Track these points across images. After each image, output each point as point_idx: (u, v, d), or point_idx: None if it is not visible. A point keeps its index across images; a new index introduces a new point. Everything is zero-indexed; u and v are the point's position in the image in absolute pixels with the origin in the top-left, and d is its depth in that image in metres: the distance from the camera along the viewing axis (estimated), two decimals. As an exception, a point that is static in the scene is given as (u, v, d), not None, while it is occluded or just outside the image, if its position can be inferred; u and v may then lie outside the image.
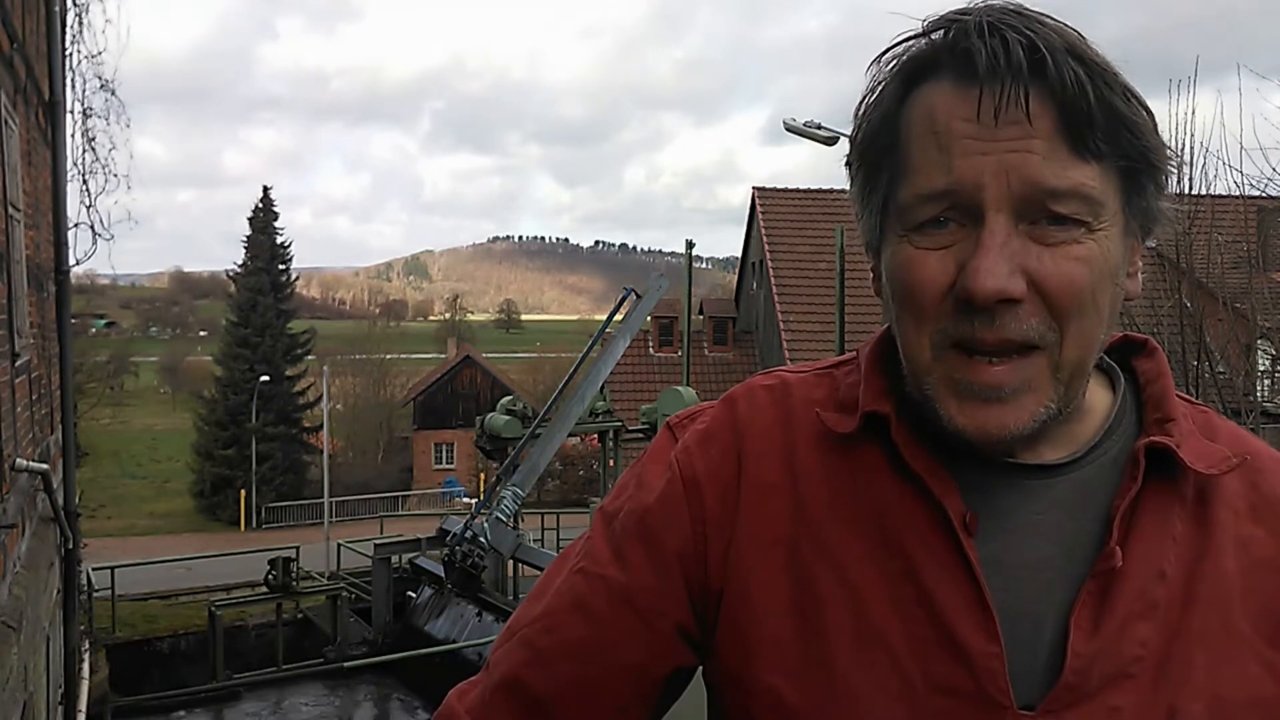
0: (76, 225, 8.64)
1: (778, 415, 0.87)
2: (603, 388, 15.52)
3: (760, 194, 26.63)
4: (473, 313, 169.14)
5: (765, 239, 25.18)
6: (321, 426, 29.17)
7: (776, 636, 0.80)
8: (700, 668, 0.88)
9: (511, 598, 13.80)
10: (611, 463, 16.19)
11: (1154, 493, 0.78)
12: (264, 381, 35.02)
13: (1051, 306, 0.73)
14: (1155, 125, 0.75)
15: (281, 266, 39.17)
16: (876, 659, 0.77)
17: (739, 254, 30.21)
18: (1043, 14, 0.74)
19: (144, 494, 40.10)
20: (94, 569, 13.54)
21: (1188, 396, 0.87)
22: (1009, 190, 0.72)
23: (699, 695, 0.90)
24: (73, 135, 9.02)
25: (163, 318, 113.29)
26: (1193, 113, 7.30)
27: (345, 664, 12.82)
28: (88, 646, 10.80)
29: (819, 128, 12.52)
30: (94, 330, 61.01)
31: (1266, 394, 8.37)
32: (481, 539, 12.84)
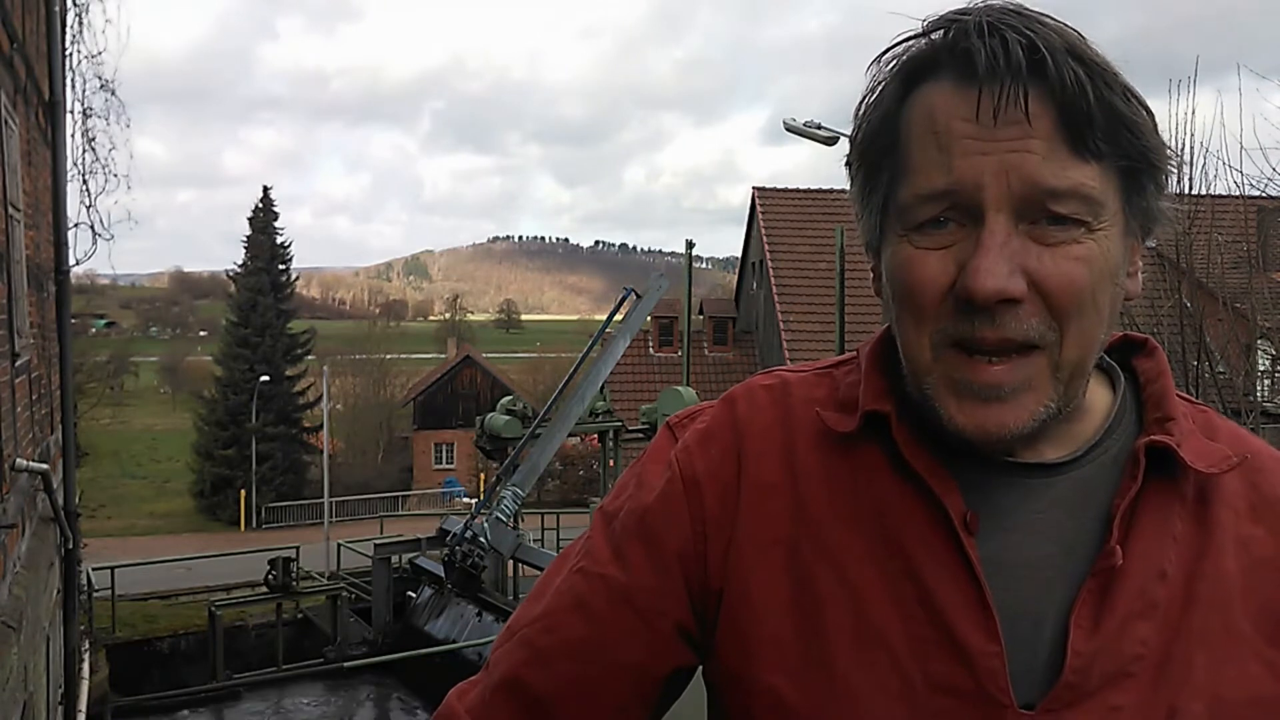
0: (76, 225, 8.64)
1: (778, 415, 0.87)
2: (603, 388, 15.51)
3: (760, 194, 26.63)
4: (473, 313, 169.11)
5: (765, 239, 25.18)
6: (321, 426, 29.18)
7: (776, 636, 0.80)
8: (700, 668, 0.88)
9: (511, 598, 13.78)
10: (611, 463, 16.18)
11: (1154, 492, 0.78)
12: (264, 381, 35.03)
13: (1051, 306, 0.73)
14: (1155, 125, 0.75)
15: (281, 266, 39.18)
16: (876, 658, 0.77)
17: (739, 254, 30.21)
18: (1043, 14, 0.74)
19: (144, 494, 40.09)
20: (94, 569, 13.53)
21: (1188, 396, 0.87)
22: (1009, 190, 0.72)
23: (699, 695, 0.90)
24: (73, 135, 9.03)
25: (163, 318, 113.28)
26: (1193, 113, 7.30)
27: (345, 664, 12.81)
28: (88, 646, 10.79)
29: (819, 128, 12.51)
30: (94, 330, 61.01)
31: (1266, 394, 8.37)
32: (481, 539, 12.82)
